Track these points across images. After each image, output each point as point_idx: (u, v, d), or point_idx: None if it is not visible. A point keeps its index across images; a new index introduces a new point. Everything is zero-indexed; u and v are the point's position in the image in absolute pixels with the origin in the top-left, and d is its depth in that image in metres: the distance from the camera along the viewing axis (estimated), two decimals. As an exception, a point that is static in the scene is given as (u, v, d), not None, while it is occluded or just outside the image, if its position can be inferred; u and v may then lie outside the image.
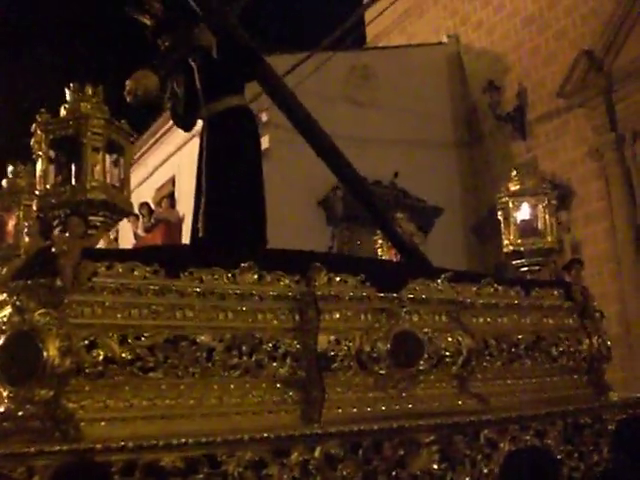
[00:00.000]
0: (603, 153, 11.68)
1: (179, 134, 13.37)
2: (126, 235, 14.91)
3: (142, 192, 15.96)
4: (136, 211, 14.51)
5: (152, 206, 14.68)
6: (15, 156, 4.29)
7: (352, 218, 11.97)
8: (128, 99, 3.61)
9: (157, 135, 15.37)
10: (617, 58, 11.50)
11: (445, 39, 14.86)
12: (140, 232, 14.37)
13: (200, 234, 3.99)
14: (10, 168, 4.29)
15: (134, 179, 16.05)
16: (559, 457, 4.04)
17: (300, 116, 4.47)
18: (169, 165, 14.89)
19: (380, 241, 5.45)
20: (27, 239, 3.51)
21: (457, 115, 14.65)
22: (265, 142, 12.14)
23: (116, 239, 16.35)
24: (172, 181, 14.82)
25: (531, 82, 13.14)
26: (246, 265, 3.30)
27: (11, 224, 4.13)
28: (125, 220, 14.53)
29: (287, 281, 3.41)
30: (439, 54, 14.70)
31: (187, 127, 4.41)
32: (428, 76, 14.20)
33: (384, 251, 5.40)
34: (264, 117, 11.25)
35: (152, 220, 14.21)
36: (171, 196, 14.61)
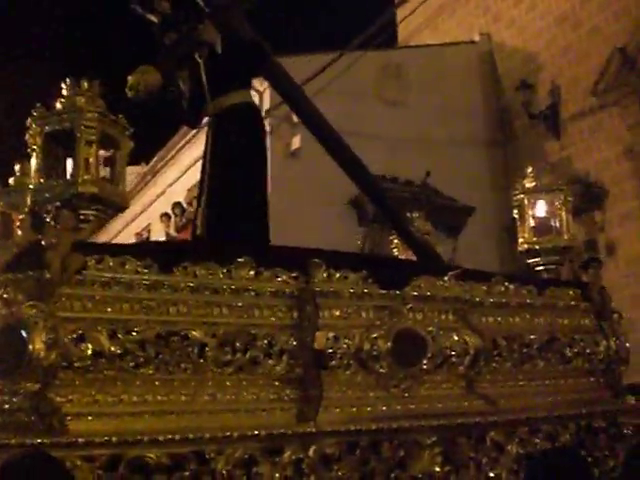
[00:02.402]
0: (638, 152, 11.42)
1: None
2: (158, 235, 14.99)
3: (174, 192, 16.06)
4: (169, 211, 14.63)
5: (184, 206, 14.74)
6: (23, 154, 4.28)
7: (383, 218, 11.87)
8: (129, 94, 3.59)
9: (188, 136, 15.43)
10: (651, 56, 11.26)
11: (477, 37, 14.67)
12: (172, 232, 14.44)
13: (199, 231, 3.95)
14: (17, 166, 4.29)
15: (166, 179, 16.24)
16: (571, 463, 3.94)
17: (308, 112, 4.41)
18: (200, 165, 14.88)
19: (396, 241, 5.35)
20: (19, 233, 3.51)
21: (490, 114, 14.46)
22: (296, 142, 12.13)
23: (148, 239, 16.47)
24: (203, 181, 14.81)
25: (564, 80, 12.91)
26: (242, 260, 3.24)
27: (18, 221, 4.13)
28: (158, 220, 14.79)
29: (285, 277, 3.34)
30: (471, 53, 14.53)
31: (193, 124, 4.38)
32: (460, 75, 14.04)
33: (400, 251, 5.30)
34: (295, 117, 11.21)
35: (184, 220, 14.27)
36: (202, 196, 14.61)
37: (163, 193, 16.71)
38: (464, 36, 14.88)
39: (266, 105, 12.34)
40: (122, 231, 18.65)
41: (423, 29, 15.80)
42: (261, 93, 12.31)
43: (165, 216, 14.64)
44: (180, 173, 16.20)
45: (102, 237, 17.28)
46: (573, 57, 12.80)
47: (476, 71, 14.55)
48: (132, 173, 19.25)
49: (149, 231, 17.15)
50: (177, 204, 14.57)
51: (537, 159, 12.93)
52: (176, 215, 14.44)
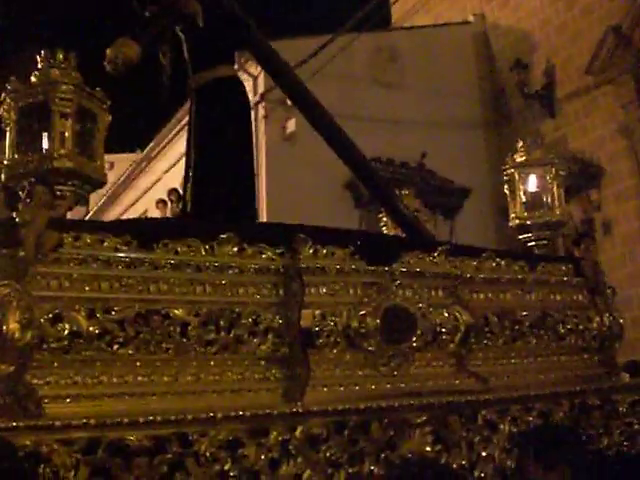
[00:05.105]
0: (633, 130, 11.33)
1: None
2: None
3: (170, 178, 15.96)
4: (165, 198, 14.51)
5: (180, 192, 14.60)
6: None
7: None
8: (108, 68, 3.50)
9: (183, 121, 15.30)
10: (645, 34, 11.14)
11: (471, 18, 14.54)
12: (169, 218, 14.36)
13: (189, 207, 3.87)
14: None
15: (161, 166, 16.17)
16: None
17: (293, 85, 4.32)
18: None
19: (385, 219, 5.25)
20: (-8, 210, 3.43)
21: (485, 94, 14.35)
22: (291, 126, 12.04)
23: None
24: (199, 166, 14.71)
25: (559, 59, 12.80)
26: (225, 237, 3.16)
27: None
28: (154, 207, 14.71)
29: (270, 253, 3.25)
30: (465, 33, 14.39)
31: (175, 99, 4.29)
32: (455, 56, 13.93)
33: (389, 229, 5.20)
34: (290, 101, 11.11)
35: (180, 206, 14.15)
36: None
37: (159, 180, 16.60)
38: (458, 17, 14.74)
39: (260, 89, 12.26)
40: (119, 218, 18.58)
41: (416, 10, 15.64)
42: (255, 77, 12.23)
43: (161, 203, 14.54)
44: (176, 159, 16.06)
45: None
46: (567, 36, 12.68)
47: (470, 52, 14.43)
48: (128, 160, 19.18)
49: (145, 218, 17.05)
50: (173, 190, 14.44)
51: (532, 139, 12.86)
52: (172, 201, 14.34)
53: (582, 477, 3.20)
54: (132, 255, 2.94)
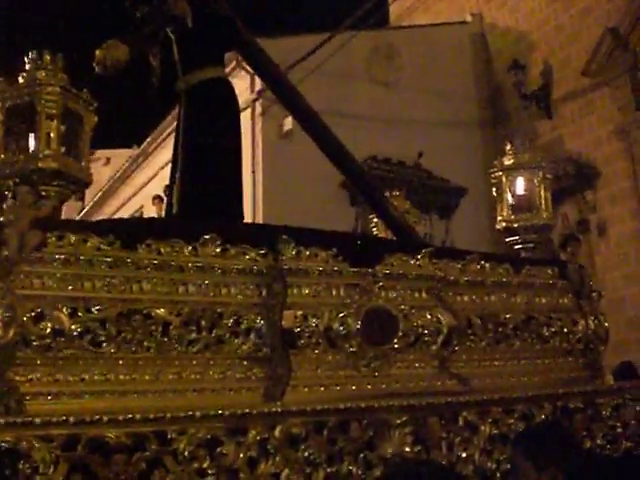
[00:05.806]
0: (629, 132, 11.36)
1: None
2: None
3: (167, 174, 15.94)
4: (161, 194, 14.52)
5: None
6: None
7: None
8: (97, 69, 3.54)
9: (179, 117, 15.28)
10: (643, 36, 11.16)
11: (469, 18, 14.58)
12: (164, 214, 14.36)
13: (174, 209, 3.91)
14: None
15: (158, 162, 16.21)
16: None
17: (283, 86, 4.35)
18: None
19: (375, 220, 5.29)
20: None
21: (481, 94, 14.39)
22: (288, 123, 12.06)
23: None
24: (194, 163, 14.73)
25: (556, 60, 12.84)
26: (208, 237, 3.19)
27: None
28: (150, 202, 14.72)
29: (253, 254, 3.29)
30: (463, 33, 14.43)
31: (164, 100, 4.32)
32: (452, 55, 13.97)
33: (379, 230, 5.24)
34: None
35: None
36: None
37: (155, 175, 16.63)
38: (456, 16, 14.78)
39: (257, 86, 12.27)
40: (115, 213, 18.62)
41: (415, 9, 15.70)
42: (252, 74, 12.23)
43: (157, 198, 14.56)
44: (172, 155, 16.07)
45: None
46: (565, 37, 12.72)
47: (468, 52, 14.48)
48: (124, 156, 19.18)
49: (142, 213, 17.08)
50: (169, 186, 14.45)
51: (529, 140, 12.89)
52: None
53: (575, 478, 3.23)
54: (115, 255, 2.97)
